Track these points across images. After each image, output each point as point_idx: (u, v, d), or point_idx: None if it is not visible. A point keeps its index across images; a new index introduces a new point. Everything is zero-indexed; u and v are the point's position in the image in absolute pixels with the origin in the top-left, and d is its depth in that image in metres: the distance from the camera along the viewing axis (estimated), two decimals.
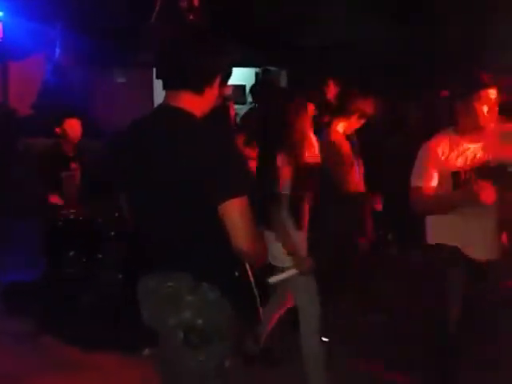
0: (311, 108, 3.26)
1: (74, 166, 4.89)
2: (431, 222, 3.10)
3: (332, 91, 5.49)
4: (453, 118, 2.93)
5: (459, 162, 2.88)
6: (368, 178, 4.13)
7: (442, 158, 2.88)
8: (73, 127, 4.92)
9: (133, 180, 2.03)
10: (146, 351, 3.86)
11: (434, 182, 2.89)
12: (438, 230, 3.05)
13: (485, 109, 2.80)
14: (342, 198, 3.76)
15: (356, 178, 3.94)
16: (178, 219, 1.95)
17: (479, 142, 2.89)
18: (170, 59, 2.00)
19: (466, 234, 2.93)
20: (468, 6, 7.33)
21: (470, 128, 2.87)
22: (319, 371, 3.19)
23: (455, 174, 2.88)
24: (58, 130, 4.92)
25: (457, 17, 7.69)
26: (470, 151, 2.89)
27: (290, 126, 3.10)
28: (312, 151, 3.17)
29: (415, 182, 2.93)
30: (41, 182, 4.80)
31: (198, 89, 1.97)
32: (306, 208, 3.15)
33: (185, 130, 1.93)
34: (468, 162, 2.88)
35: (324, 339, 3.88)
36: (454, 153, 2.89)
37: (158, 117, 2.04)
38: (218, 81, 2.01)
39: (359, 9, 9.37)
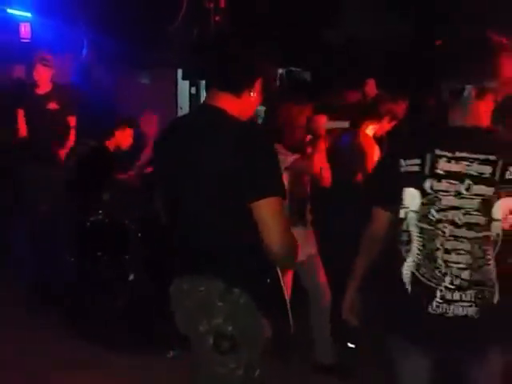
0: (309, 110, 3.31)
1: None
2: None
3: (372, 91, 5.46)
4: None
5: None
6: None
7: None
8: (125, 138, 4.94)
9: (173, 180, 2.03)
10: (171, 353, 3.88)
11: None
12: None
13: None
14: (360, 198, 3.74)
15: None
16: (214, 223, 1.95)
17: None
18: (212, 60, 2.02)
19: None
20: None
21: None
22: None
23: None
24: (109, 143, 4.86)
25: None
26: None
27: (284, 127, 3.28)
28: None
29: None
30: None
31: (237, 91, 1.99)
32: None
33: (220, 129, 1.94)
34: None
35: (350, 345, 3.88)
36: None
37: (197, 116, 2.09)
38: (258, 85, 2.02)
39: (381, 7, 9.33)
